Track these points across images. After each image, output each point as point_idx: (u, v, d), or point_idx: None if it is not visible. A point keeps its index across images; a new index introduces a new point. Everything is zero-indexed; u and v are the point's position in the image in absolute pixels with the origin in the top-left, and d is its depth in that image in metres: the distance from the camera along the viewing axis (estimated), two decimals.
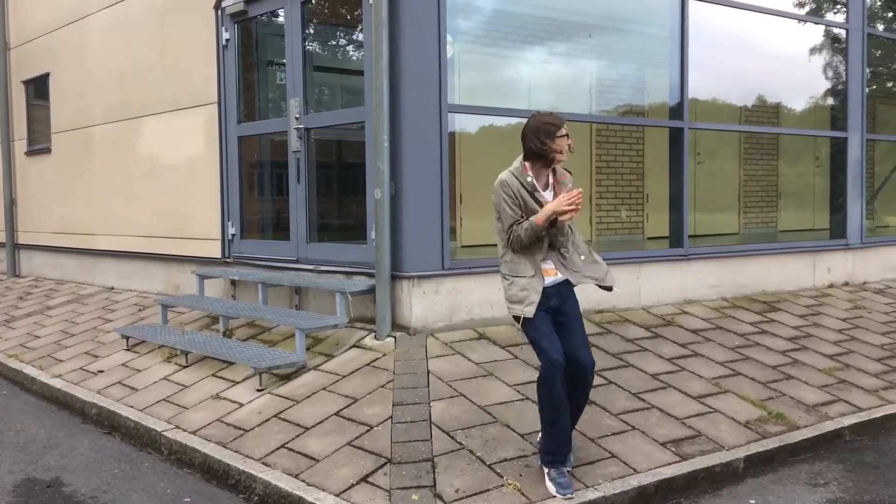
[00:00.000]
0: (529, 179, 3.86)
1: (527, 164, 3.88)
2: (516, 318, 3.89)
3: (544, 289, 3.88)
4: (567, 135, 3.82)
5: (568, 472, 3.88)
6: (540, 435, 4.00)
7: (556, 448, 3.84)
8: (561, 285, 3.94)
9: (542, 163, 3.86)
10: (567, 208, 3.69)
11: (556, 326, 3.90)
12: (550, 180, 3.94)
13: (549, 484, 3.79)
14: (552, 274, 3.92)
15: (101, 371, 6.10)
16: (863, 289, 8.28)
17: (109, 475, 4.37)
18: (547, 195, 3.90)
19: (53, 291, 9.32)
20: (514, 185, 3.85)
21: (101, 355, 6.48)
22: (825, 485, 4.16)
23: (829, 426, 4.81)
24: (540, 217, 3.75)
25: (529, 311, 3.81)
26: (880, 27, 9.83)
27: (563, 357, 3.78)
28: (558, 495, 3.72)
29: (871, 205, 9.39)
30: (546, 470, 3.85)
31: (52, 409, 5.72)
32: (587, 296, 6.38)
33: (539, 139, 3.79)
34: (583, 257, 4.01)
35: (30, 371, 6.36)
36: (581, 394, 3.95)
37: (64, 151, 9.83)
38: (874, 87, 10.25)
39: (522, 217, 3.83)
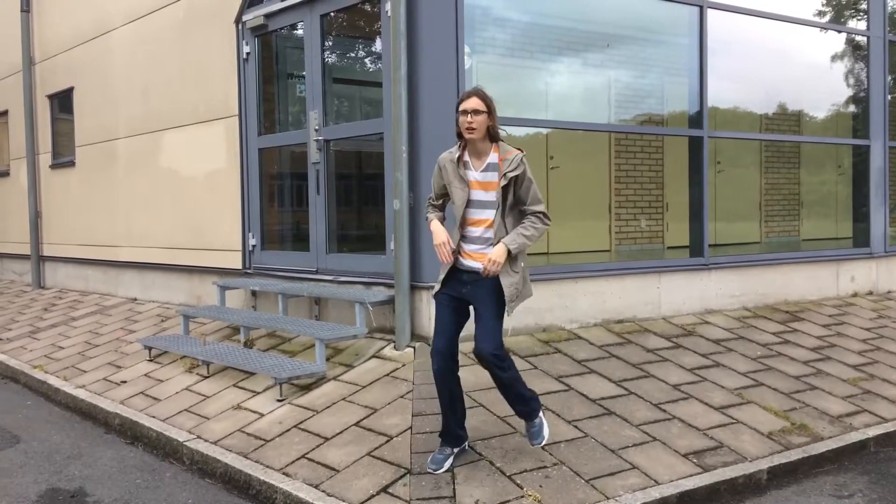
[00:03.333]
0: (457, 154, 3.95)
1: (460, 141, 4.01)
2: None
3: (458, 272, 3.96)
4: (465, 111, 3.81)
5: (451, 451, 4.07)
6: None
7: (443, 429, 4.08)
8: (477, 277, 3.92)
9: (462, 140, 3.96)
10: (435, 245, 3.90)
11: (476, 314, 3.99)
12: (493, 158, 3.92)
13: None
14: (472, 258, 3.95)
15: (124, 381, 6.16)
16: (887, 298, 8.17)
17: (132, 485, 4.41)
18: (486, 174, 3.91)
19: (77, 303, 9.43)
20: (442, 160, 4.01)
21: (124, 366, 6.55)
22: (850, 496, 4.10)
23: (854, 437, 4.75)
24: (430, 224, 4.01)
25: (437, 287, 3.98)
26: None
27: (446, 347, 3.91)
28: (427, 468, 4.00)
29: (894, 213, 9.27)
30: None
31: (75, 419, 5.79)
32: (606, 304, 6.40)
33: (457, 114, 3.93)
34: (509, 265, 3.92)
35: (54, 382, 6.44)
36: (496, 381, 4.01)
37: (88, 164, 9.96)
38: None
39: (442, 196, 4.05)
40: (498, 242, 3.87)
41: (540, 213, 3.94)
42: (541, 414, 4.13)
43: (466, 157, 3.94)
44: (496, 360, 3.89)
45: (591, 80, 8.91)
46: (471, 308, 4.04)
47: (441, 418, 4.08)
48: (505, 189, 3.87)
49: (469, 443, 4.29)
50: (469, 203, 3.91)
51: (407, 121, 5.62)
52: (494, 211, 3.90)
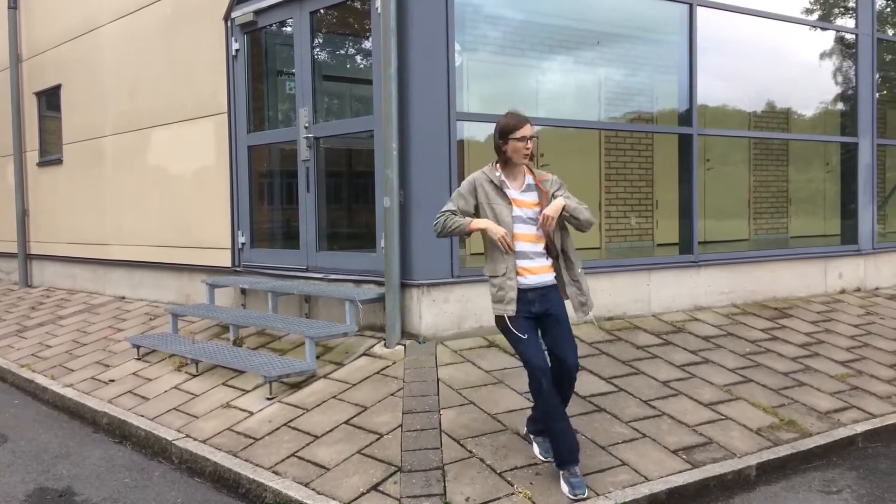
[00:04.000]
0: (498, 174, 3.95)
1: (497, 164, 4.00)
2: (498, 320, 3.94)
3: (523, 290, 3.90)
4: (525, 137, 3.88)
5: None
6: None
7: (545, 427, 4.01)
8: (546, 289, 3.96)
9: (504, 161, 3.97)
10: (495, 237, 3.83)
11: (543, 330, 3.97)
12: (530, 180, 4.00)
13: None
14: (531, 272, 3.93)
15: (113, 380, 6.12)
16: (875, 294, 8.22)
17: (121, 484, 4.38)
18: (526, 195, 3.96)
19: (65, 301, 9.37)
20: (478, 180, 3.96)
21: (112, 365, 6.51)
22: (838, 492, 4.13)
23: (842, 433, 4.77)
24: (473, 224, 3.89)
25: (510, 309, 3.87)
26: (890, 32, 9.79)
27: (546, 363, 3.87)
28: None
29: (882, 210, 9.33)
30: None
31: (63, 418, 5.75)
32: (596, 301, 6.39)
33: (498, 137, 3.93)
34: (572, 274, 4.02)
35: (41, 380, 6.40)
36: (567, 394, 4.03)
37: (75, 162, 9.90)
38: (884, 91, 10.21)
39: (463, 212, 3.95)
40: (550, 262, 3.99)
41: (587, 208, 4.03)
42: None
43: (504, 178, 3.96)
44: (576, 374, 3.97)
45: (582, 78, 8.93)
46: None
47: (546, 425, 3.97)
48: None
49: (460, 440, 4.29)
50: (514, 219, 3.93)
51: (397, 118, 5.60)
52: (535, 228, 3.94)
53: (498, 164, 3.99)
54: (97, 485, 4.38)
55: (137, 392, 5.76)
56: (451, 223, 3.92)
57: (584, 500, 3.74)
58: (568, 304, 4.04)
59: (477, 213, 3.97)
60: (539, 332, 3.98)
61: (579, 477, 3.83)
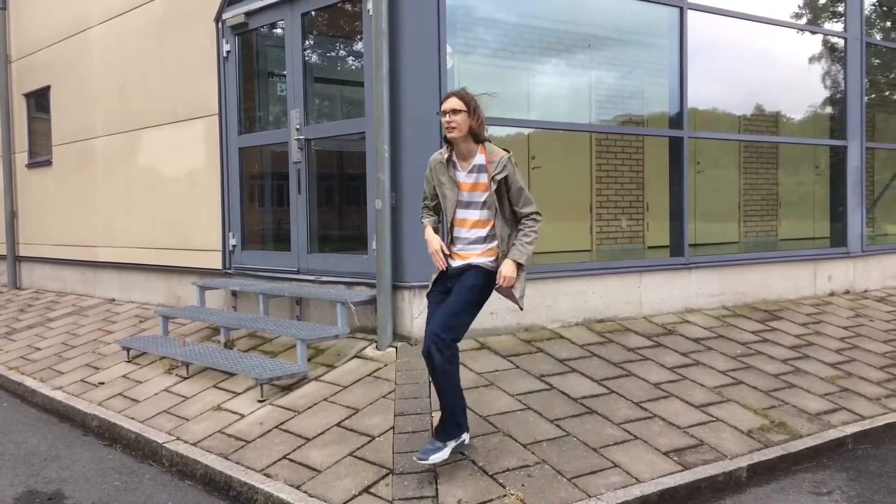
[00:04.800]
0: (446, 155, 3.98)
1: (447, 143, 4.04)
2: None
3: (445, 271, 4.02)
4: (444, 111, 3.86)
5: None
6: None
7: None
8: (465, 272, 3.99)
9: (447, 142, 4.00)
10: (430, 252, 3.99)
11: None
12: (480, 160, 3.95)
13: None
14: (459, 257, 4.02)
15: (102, 383, 6.09)
16: (864, 297, 8.27)
17: (111, 487, 4.36)
18: (472, 176, 3.95)
19: (54, 303, 9.32)
20: (433, 161, 4.07)
21: (101, 367, 6.48)
22: (828, 493, 4.15)
23: (832, 434, 4.80)
24: (426, 232, 4.11)
25: (434, 273, 4.07)
26: (878, 36, 9.86)
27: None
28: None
29: (871, 213, 9.39)
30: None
31: (53, 421, 5.71)
32: (587, 303, 6.42)
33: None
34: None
35: (31, 383, 6.36)
36: (429, 366, 3.89)
37: (65, 164, 9.85)
38: (873, 95, 10.28)
39: (434, 198, 4.09)
40: (491, 245, 3.98)
41: (532, 214, 3.97)
42: (449, 447, 3.92)
43: (454, 158, 3.97)
44: (437, 341, 3.81)
45: (573, 81, 8.95)
46: None
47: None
48: (497, 192, 3.91)
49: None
50: (457, 203, 3.95)
51: (389, 120, 5.60)
52: (479, 211, 3.95)
53: (449, 145, 4.01)
54: (87, 487, 4.35)
55: (128, 394, 5.73)
56: (421, 219, 4.20)
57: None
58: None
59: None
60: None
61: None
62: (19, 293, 10.44)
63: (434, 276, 4.08)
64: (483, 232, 3.97)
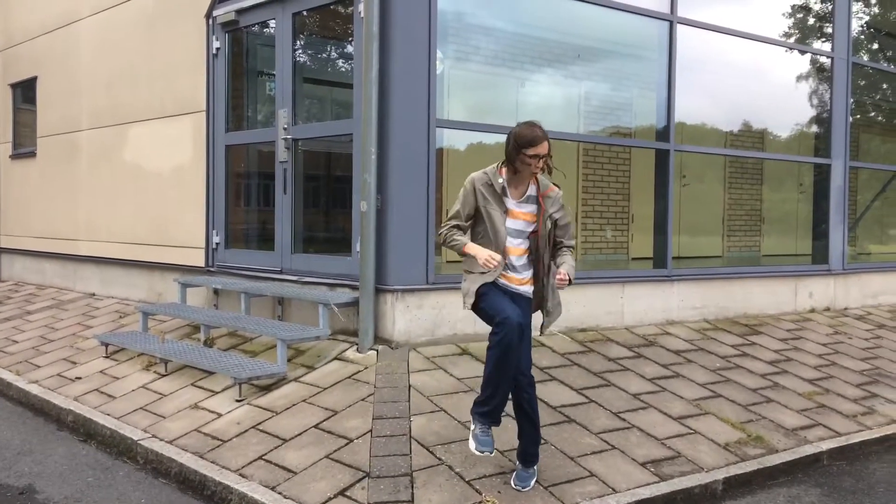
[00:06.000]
0: (500, 181, 3.83)
1: (503, 167, 3.88)
2: (475, 309, 3.88)
3: (499, 284, 3.87)
4: (539, 155, 3.73)
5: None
6: (480, 393, 3.94)
7: (490, 405, 3.84)
8: (519, 297, 3.92)
9: (513, 170, 3.84)
10: (482, 262, 3.72)
11: None
12: (533, 192, 3.91)
13: (471, 440, 3.87)
14: (511, 282, 3.92)
15: (79, 378, 6.03)
16: (844, 314, 8.34)
17: (84, 483, 4.31)
18: (524, 206, 3.88)
19: (34, 296, 9.22)
20: (479, 182, 3.85)
21: (79, 362, 6.41)
22: None
23: (808, 450, 4.83)
24: (467, 247, 3.80)
25: (489, 277, 3.80)
26: (865, 57, 9.97)
27: (518, 316, 3.75)
28: (476, 451, 3.83)
29: (853, 231, 9.48)
30: (473, 426, 3.89)
31: (27, 415, 5.65)
32: (569, 312, 6.43)
33: (512, 146, 3.78)
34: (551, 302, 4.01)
35: (6, 376, 6.28)
36: (528, 403, 3.96)
37: (49, 156, 9.76)
38: (858, 115, 10.39)
39: (468, 221, 3.88)
40: (535, 272, 3.96)
41: (573, 247, 4.06)
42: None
43: (506, 185, 3.85)
44: (533, 381, 3.97)
45: (562, 91, 8.98)
46: None
47: (493, 393, 3.80)
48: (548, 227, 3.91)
49: (429, 447, 4.27)
50: (508, 231, 3.86)
51: (377, 123, 5.60)
52: (525, 241, 3.91)
53: (503, 169, 3.86)
54: (59, 483, 4.30)
55: (104, 390, 5.68)
56: (451, 239, 3.86)
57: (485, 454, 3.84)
58: (535, 316, 4.04)
59: (475, 217, 3.89)
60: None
61: (489, 435, 3.88)
62: None
63: (490, 279, 3.84)
64: (526, 260, 3.94)
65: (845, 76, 8.70)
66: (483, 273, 3.83)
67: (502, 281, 3.90)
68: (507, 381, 3.80)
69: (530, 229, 3.90)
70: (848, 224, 8.79)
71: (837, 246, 8.62)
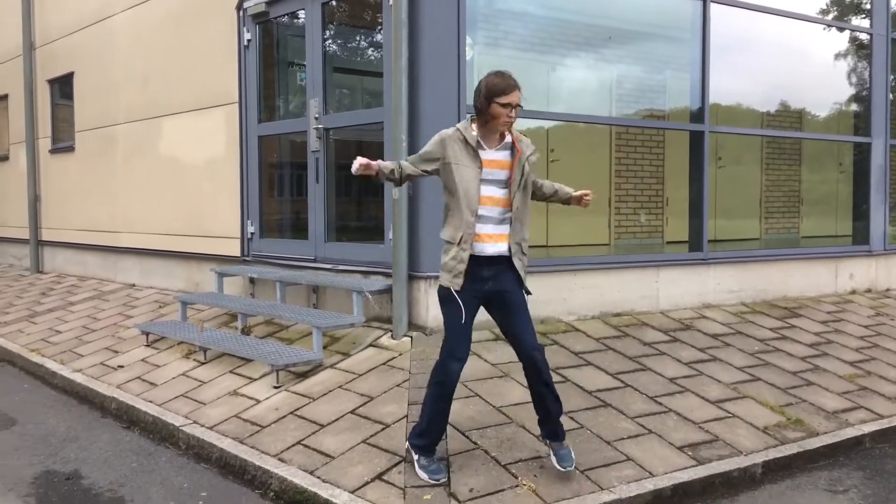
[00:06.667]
0: (474, 134, 3.71)
1: (474, 121, 3.77)
2: (442, 290, 3.79)
3: (478, 262, 3.72)
4: (511, 104, 3.62)
5: (438, 458, 3.92)
6: (416, 423, 3.95)
7: (429, 439, 3.88)
8: (502, 264, 3.78)
9: (482, 123, 3.74)
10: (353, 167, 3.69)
11: (499, 310, 3.86)
12: (508, 138, 3.80)
13: (419, 471, 3.84)
14: (492, 239, 3.74)
15: (121, 366, 6.16)
16: (886, 296, 8.18)
17: (128, 468, 4.41)
18: (499, 154, 3.77)
19: (76, 288, 9.43)
20: (448, 137, 3.73)
21: (121, 351, 6.55)
22: (844, 492, 4.11)
23: (850, 433, 4.75)
24: (360, 160, 3.73)
25: (458, 283, 3.69)
26: None
27: (467, 356, 3.79)
28: (431, 480, 3.78)
29: (894, 211, 9.27)
30: (416, 457, 3.88)
31: (72, 402, 5.79)
32: (604, 297, 6.39)
33: (484, 96, 3.67)
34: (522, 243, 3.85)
35: (51, 365, 6.44)
36: (544, 380, 3.83)
37: (87, 150, 9.94)
38: None
39: (423, 164, 3.80)
40: (514, 221, 3.79)
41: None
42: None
43: (480, 138, 3.74)
44: (543, 351, 3.86)
45: (594, 74, 8.90)
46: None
47: (428, 427, 3.87)
48: (525, 170, 3.82)
49: (464, 432, 4.29)
50: (481, 181, 3.72)
51: (407, 110, 5.60)
52: (503, 190, 3.77)
53: (475, 123, 3.75)
54: (104, 468, 4.41)
55: (146, 378, 5.80)
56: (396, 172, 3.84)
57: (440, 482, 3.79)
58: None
59: (435, 169, 3.77)
60: (477, 312, 3.84)
61: (436, 463, 3.86)
62: (41, 277, 10.57)
63: (462, 268, 3.71)
64: (507, 213, 3.78)
65: (885, 52, 8.48)
66: (456, 264, 3.70)
67: (481, 246, 3.72)
68: (444, 417, 3.89)
69: (505, 177, 3.77)
70: (889, 204, 8.59)
71: (878, 226, 8.44)
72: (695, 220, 7.25)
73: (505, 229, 3.79)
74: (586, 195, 3.98)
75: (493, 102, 3.64)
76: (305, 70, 6.87)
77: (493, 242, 3.77)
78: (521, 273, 3.85)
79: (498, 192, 3.79)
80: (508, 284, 3.83)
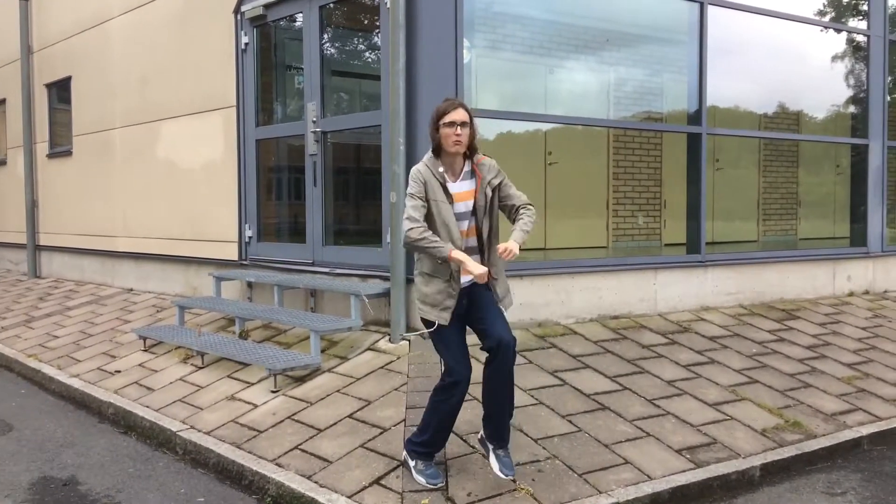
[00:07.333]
0: (441, 169, 3.69)
1: (437, 157, 3.75)
2: (425, 322, 3.79)
3: (459, 289, 3.72)
4: (454, 123, 3.59)
5: (435, 463, 3.91)
6: (417, 429, 3.92)
7: (432, 447, 3.88)
8: (473, 284, 3.76)
9: (436, 151, 3.73)
10: (477, 275, 3.56)
11: (473, 319, 3.82)
12: (468, 166, 3.77)
13: (416, 476, 3.83)
14: (468, 272, 3.64)
15: (119, 371, 6.15)
16: (883, 297, 8.18)
17: (125, 474, 4.40)
18: (463, 184, 3.74)
19: (73, 292, 9.41)
20: (423, 174, 3.69)
21: (118, 356, 6.54)
22: (842, 494, 4.11)
23: (847, 435, 4.75)
24: (454, 254, 3.55)
25: (445, 317, 3.70)
26: None
27: (470, 372, 3.75)
28: (428, 485, 3.77)
29: (892, 213, 9.28)
30: (413, 462, 3.87)
31: (69, 408, 5.78)
32: (602, 300, 6.39)
33: (432, 124, 3.68)
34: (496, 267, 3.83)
35: (48, 370, 6.43)
36: (505, 374, 3.75)
37: (85, 154, 9.94)
38: None
39: (425, 217, 3.66)
40: (490, 247, 3.77)
41: (529, 204, 3.86)
42: None
43: (443, 171, 3.72)
44: (513, 343, 3.72)
45: (591, 77, 8.91)
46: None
47: (433, 438, 3.85)
48: (487, 196, 3.76)
49: (462, 436, 4.28)
50: (457, 216, 3.71)
51: (405, 113, 5.60)
52: (470, 219, 3.77)
53: (437, 159, 3.74)
54: (101, 474, 4.40)
55: (143, 383, 5.78)
56: (428, 243, 3.58)
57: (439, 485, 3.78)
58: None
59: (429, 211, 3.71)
60: (466, 328, 3.83)
61: (434, 468, 3.86)
62: (39, 282, 10.56)
63: (451, 304, 3.70)
64: (474, 241, 3.79)
65: (882, 54, 8.49)
66: (444, 298, 3.68)
67: (464, 278, 3.70)
68: (447, 430, 3.88)
69: (471, 207, 3.75)
70: (887, 205, 8.60)
71: (876, 228, 8.44)
72: (692, 223, 7.25)
73: (475, 257, 3.76)
74: (509, 251, 3.62)
75: (439, 126, 3.66)
76: (303, 73, 6.87)
77: (469, 274, 3.65)
78: (500, 288, 3.85)
79: (464, 224, 3.76)
80: (475, 292, 3.80)
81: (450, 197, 3.69)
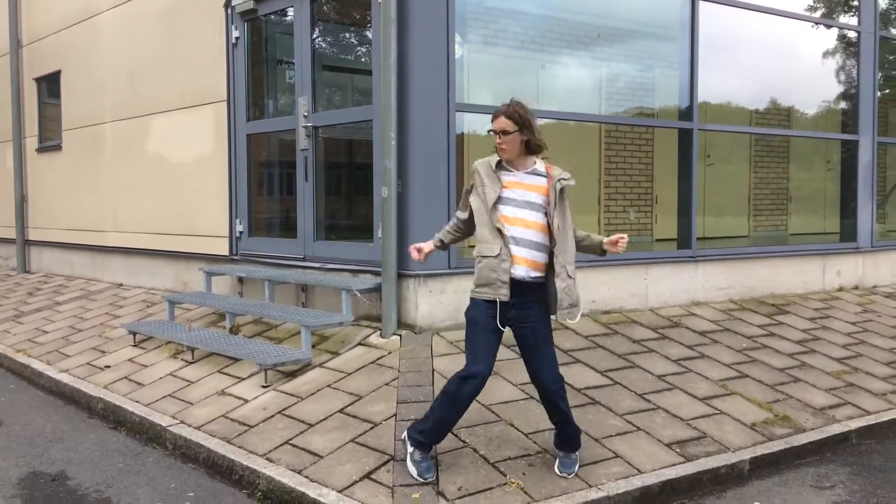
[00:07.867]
0: (496, 160, 3.80)
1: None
2: (473, 305, 3.78)
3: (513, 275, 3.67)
4: (494, 130, 3.71)
5: (431, 457, 3.91)
6: (424, 418, 3.92)
7: (433, 438, 3.88)
8: (528, 293, 3.72)
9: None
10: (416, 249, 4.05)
11: (519, 340, 3.83)
12: (540, 166, 3.80)
13: (410, 464, 3.86)
14: (520, 263, 3.69)
15: (108, 366, 6.12)
16: (873, 292, 8.22)
17: (114, 469, 4.38)
18: (529, 178, 3.76)
19: (63, 287, 9.37)
20: (479, 165, 3.84)
21: (108, 351, 6.51)
22: (831, 487, 4.13)
23: (836, 429, 4.77)
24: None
25: (503, 293, 3.66)
26: (893, 30, 9.76)
27: (488, 372, 3.74)
28: (420, 478, 3.78)
29: (882, 208, 9.33)
30: (411, 449, 3.87)
31: (58, 403, 5.75)
32: (594, 295, 6.40)
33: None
34: (567, 280, 3.76)
35: (37, 366, 6.40)
36: (557, 411, 3.89)
37: (74, 148, 9.88)
38: (886, 90, 10.18)
39: (465, 208, 3.88)
40: (554, 246, 3.72)
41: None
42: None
43: (505, 165, 3.79)
44: (561, 391, 3.86)
45: (583, 72, 8.90)
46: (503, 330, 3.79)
47: (437, 429, 3.84)
48: (560, 203, 3.75)
49: (453, 430, 4.29)
50: (503, 200, 3.70)
51: (396, 108, 5.59)
52: (537, 213, 3.72)
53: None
54: (91, 469, 4.38)
55: (133, 378, 5.76)
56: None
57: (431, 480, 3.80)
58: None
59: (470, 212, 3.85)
60: (497, 332, 3.75)
61: (429, 461, 3.88)
62: (28, 277, 10.50)
63: (507, 281, 3.68)
64: (543, 239, 3.73)
65: (872, 50, 8.52)
66: (496, 256, 3.68)
67: (512, 269, 3.68)
68: (451, 423, 3.88)
69: (539, 201, 3.72)
70: (876, 201, 8.64)
71: (866, 223, 8.48)
72: (684, 218, 7.27)
73: (536, 255, 3.73)
74: (622, 238, 3.81)
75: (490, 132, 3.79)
76: (294, 68, 6.84)
77: (523, 266, 3.70)
78: (560, 296, 3.73)
79: (529, 216, 3.72)
80: (533, 314, 3.77)
81: (499, 184, 3.73)
